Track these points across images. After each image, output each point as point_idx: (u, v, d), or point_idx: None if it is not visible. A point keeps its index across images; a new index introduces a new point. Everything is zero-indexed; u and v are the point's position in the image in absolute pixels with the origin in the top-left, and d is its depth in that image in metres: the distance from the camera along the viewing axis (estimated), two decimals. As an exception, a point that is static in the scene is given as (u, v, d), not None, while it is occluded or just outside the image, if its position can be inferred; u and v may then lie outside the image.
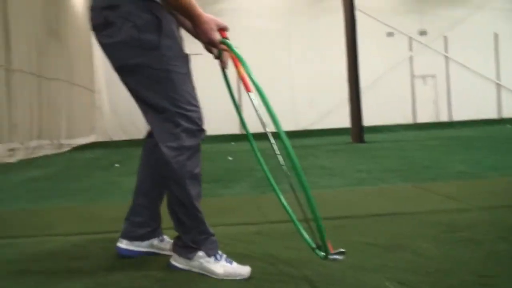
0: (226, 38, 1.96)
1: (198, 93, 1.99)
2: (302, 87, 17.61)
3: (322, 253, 1.76)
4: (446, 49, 18.43)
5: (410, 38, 18.34)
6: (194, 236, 1.97)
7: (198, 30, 1.91)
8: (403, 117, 17.76)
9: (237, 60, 1.85)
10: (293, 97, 17.80)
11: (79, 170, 7.33)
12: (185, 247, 1.98)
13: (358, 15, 15.52)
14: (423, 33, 18.19)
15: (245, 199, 3.94)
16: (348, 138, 11.05)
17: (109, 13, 1.84)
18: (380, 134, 13.33)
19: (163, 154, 1.91)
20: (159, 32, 1.85)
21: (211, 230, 2.02)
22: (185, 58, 1.97)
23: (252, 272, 1.93)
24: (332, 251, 1.75)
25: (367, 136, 11.06)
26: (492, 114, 18.28)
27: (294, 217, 2.02)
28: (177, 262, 2.00)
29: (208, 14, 1.92)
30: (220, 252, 1.98)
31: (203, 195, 2.05)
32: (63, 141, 13.27)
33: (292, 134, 15.07)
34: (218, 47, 1.99)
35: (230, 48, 1.88)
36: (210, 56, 2.12)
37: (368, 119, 17.13)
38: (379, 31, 17.87)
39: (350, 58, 10.99)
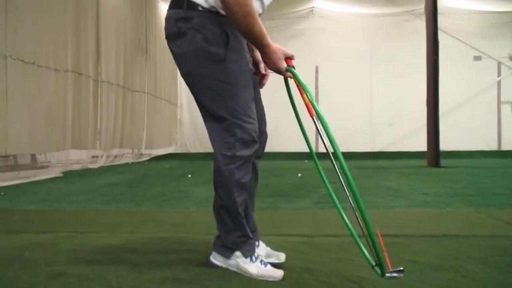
0: (292, 66, 2.05)
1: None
2: (382, 108, 17.35)
3: (379, 271, 1.80)
4: (536, 75, 17.56)
5: (499, 63, 17.62)
6: (234, 238, 2.11)
7: (267, 59, 2.02)
8: (486, 144, 17.01)
9: (301, 87, 1.94)
10: (371, 117, 17.59)
11: (154, 178, 7.67)
12: (224, 247, 2.12)
13: (444, 38, 15.23)
14: (513, 57, 17.45)
15: (305, 213, 4.00)
16: (424, 162, 10.78)
17: (183, 24, 2.00)
18: (459, 159, 12.89)
19: (216, 160, 2.06)
20: (226, 46, 1.99)
21: (250, 234, 2.14)
22: (249, 73, 2.11)
23: (286, 276, 2.01)
24: (390, 268, 1.80)
25: (444, 161, 10.72)
26: None
27: (354, 232, 2.10)
28: (216, 259, 2.15)
29: (276, 44, 2.03)
30: (256, 254, 2.09)
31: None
32: (143, 151, 13.90)
33: (368, 155, 14.96)
34: (285, 75, 2.08)
35: (295, 77, 1.97)
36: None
37: (449, 143, 16.62)
38: (466, 55, 17.31)
39: (430, 81, 10.76)
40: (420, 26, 11.16)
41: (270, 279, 1.99)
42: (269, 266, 2.06)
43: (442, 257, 2.45)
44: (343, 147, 13.97)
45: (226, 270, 2.15)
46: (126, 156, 12.69)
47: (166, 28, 2.08)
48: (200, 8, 1.97)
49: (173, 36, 2.05)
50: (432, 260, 2.38)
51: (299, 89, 1.96)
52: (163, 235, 3.00)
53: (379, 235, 2.00)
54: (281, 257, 2.23)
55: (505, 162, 11.65)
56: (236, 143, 2.03)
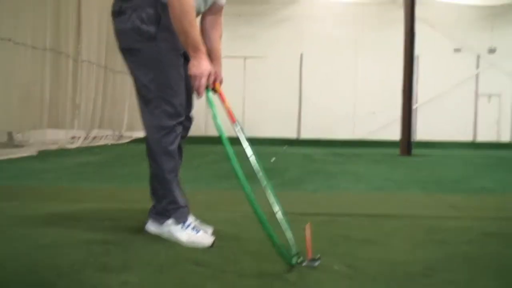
0: (213, 89, 2.21)
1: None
2: (365, 96, 17.55)
3: (294, 261, 1.94)
4: (515, 69, 17.84)
5: (478, 56, 17.87)
6: (165, 205, 2.29)
7: (191, 64, 2.12)
8: (462, 135, 17.32)
9: (223, 95, 2.18)
10: (354, 105, 17.79)
11: (127, 159, 7.79)
12: (158, 214, 2.31)
13: (425, 29, 15.40)
14: (492, 51, 17.67)
15: (260, 194, 4.14)
16: (398, 151, 11.00)
17: (123, 4, 2.22)
18: (432, 149, 13.14)
19: (145, 131, 2.28)
20: (157, 26, 2.18)
21: (183, 202, 2.32)
22: (178, 51, 2.26)
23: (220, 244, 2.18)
24: (310, 257, 1.96)
25: (417, 150, 10.97)
26: (558, 138, 17.51)
27: (269, 226, 1.96)
28: (151, 226, 2.36)
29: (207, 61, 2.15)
30: (189, 221, 2.25)
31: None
32: (124, 133, 13.94)
33: (347, 143, 15.18)
34: (197, 90, 2.16)
35: (208, 101, 2.13)
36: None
37: (426, 133, 16.94)
38: (446, 46, 17.54)
39: (406, 71, 10.91)
40: (402, 15, 11.28)
41: (200, 246, 2.16)
42: (201, 233, 2.23)
43: (372, 233, 2.63)
44: (324, 134, 14.01)
45: (151, 235, 2.35)
46: (106, 137, 12.74)
47: (112, 6, 2.29)
48: None
49: (115, 13, 2.26)
50: (364, 236, 2.55)
51: (221, 97, 2.19)
52: (109, 206, 3.22)
53: (308, 228, 2.15)
54: (208, 230, 2.38)
55: (476, 153, 11.91)
56: (161, 113, 2.21)
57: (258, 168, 2.09)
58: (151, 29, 2.17)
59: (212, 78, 2.16)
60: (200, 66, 2.10)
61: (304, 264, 1.93)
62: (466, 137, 17.52)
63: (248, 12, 16.39)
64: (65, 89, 9.86)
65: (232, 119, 2.13)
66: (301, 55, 17.78)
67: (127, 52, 2.27)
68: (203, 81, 2.11)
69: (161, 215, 2.30)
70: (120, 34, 2.26)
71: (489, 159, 9.59)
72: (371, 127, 17.29)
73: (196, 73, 2.11)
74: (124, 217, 2.80)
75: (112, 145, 12.18)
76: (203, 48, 2.13)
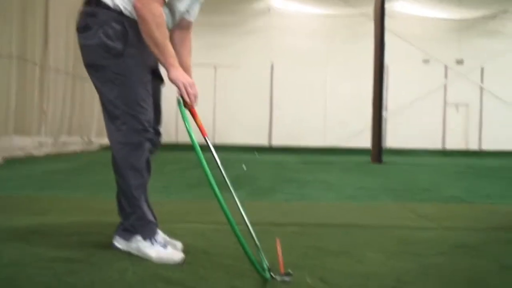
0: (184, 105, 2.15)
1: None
2: (335, 106, 17.72)
3: (268, 275, 1.91)
4: (482, 80, 18.23)
5: (446, 67, 18.23)
6: (133, 221, 2.23)
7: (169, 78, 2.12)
8: (431, 143, 17.62)
9: (195, 111, 2.15)
10: (325, 114, 17.94)
11: (97, 167, 7.65)
12: (125, 230, 2.25)
13: (395, 41, 15.67)
14: (460, 62, 18.06)
15: (231, 203, 4.10)
16: (369, 158, 11.11)
17: (89, 19, 2.16)
18: (403, 157, 13.29)
19: (111, 148, 2.22)
20: (125, 42, 2.13)
21: (151, 218, 2.25)
22: (146, 68, 2.22)
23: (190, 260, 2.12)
24: (282, 271, 1.94)
25: (388, 158, 11.09)
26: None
27: (244, 241, 1.94)
28: (118, 243, 2.28)
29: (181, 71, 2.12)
30: (158, 237, 2.19)
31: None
32: (94, 139, 13.73)
33: (319, 151, 15.25)
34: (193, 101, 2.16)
35: (182, 115, 2.09)
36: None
37: (396, 142, 17.17)
38: (415, 57, 17.84)
39: (376, 81, 11.04)
40: (370, 27, 11.46)
41: (170, 262, 2.10)
42: (169, 249, 2.17)
43: (348, 245, 2.61)
44: (295, 141, 14.10)
45: (119, 251, 2.25)
46: (76, 143, 12.53)
47: (77, 22, 2.22)
48: (106, 7, 2.12)
49: (81, 29, 2.19)
50: (336, 248, 2.53)
51: (192, 112, 2.15)
52: (77, 219, 3.09)
53: (278, 243, 2.19)
54: (177, 245, 2.32)
55: (445, 161, 12.11)
56: (128, 130, 2.16)
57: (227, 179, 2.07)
58: (118, 45, 2.12)
59: (195, 90, 2.12)
60: (184, 74, 2.10)
61: (277, 278, 1.89)
62: (435, 145, 17.84)
63: (219, 22, 16.37)
64: (32, 96, 9.66)
65: (204, 134, 2.09)
66: (272, 65, 17.87)
67: (93, 68, 2.21)
68: (190, 89, 2.09)
69: (129, 231, 2.23)
70: (85, 50, 2.20)
71: (458, 167, 9.74)
72: (341, 135, 17.45)
73: (184, 81, 2.08)
74: (92, 232, 2.70)
75: (82, 152, 11.98)
76: (175, 63, 2.10)
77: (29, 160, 8.53)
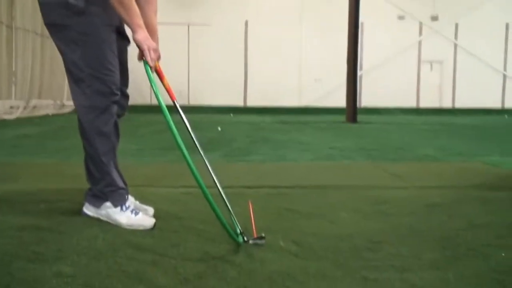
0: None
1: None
2: (310, 64, 17.65)
3: (241, 239, 1.89)
4: (456, 36, 18.28)
5: (421, 23, 18.19)
6: (102, 187, 2.16)
7: (139, 36, 2.02)
8: (406, 101, 17.74)
9: (162, 73, 2.08)
10: (300, 74, 17.87)
11: (69, 131, 7.50)
12: (95, 197, 2.18)
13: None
14: (434, 18, 18.01)
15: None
16: (344, 118, 11.15)
17: None
18: (377, 116, 13.41)
19: (77, 111, 2.12)
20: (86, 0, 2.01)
21: (120, 184, 2.20)
22: (111, 27, 2.12)
23: (162, 225, 2.09)
24: (255, 235, 1.93)
25: (363, 117, 11.15)
26: (495, 104, 18.16)
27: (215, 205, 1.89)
28: (88, 210, 2.22)
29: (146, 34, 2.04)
30: (128, 204, 2.15)
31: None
32: (66, 102, 13.49)
33: (294, 110, 15.26)
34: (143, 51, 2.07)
35: (148, 75, 2.01)
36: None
37: (371, 100, 17.24)
38: (390, 14, 17.76)
39: (350, 39, 10.99)
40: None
41: (140, 228, 2.07)
42: (140, 215, 2.12)
43: (318, 206, 2.62)
44: (271, 102, 14.09)
45: (89, 218, 2.20)
46: (48, 107, 12.29)
47: None
48: None
49: None
50: (310, 210, 2.53)
51: (159, 74, 2.08)
52: (47, 186, 3.02)
53: (251, 206, 2.17)
54: (149, 211, 2.29)
55: (419, 119, 12.24)
56: (93, 93, 2.07)
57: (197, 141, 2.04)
58: (80, 3, 2.01)
59: (157, 55, 2.05)
60: (149, 38, 2.03)
61: (250, 241, 1.88)
62: (410, 103, 17.97)
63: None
64: (0, 57, 9.37)
65: (172, 97, 2.03)
66: (246, 23, 17.60)
67: (53, 27, 2.09)
68: (153, 54, 2.02)
69: (98, 197, 2.17)
70: (45, 8, 2.08)
71: (431, 125, 9.86)
72: (317, 94, 17.44)
73: (149, 45, 2.01)
74: (61, 199, 2.63)
75: (54, 115, 11.77)
76: (141, 23, 2.02)
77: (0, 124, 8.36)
